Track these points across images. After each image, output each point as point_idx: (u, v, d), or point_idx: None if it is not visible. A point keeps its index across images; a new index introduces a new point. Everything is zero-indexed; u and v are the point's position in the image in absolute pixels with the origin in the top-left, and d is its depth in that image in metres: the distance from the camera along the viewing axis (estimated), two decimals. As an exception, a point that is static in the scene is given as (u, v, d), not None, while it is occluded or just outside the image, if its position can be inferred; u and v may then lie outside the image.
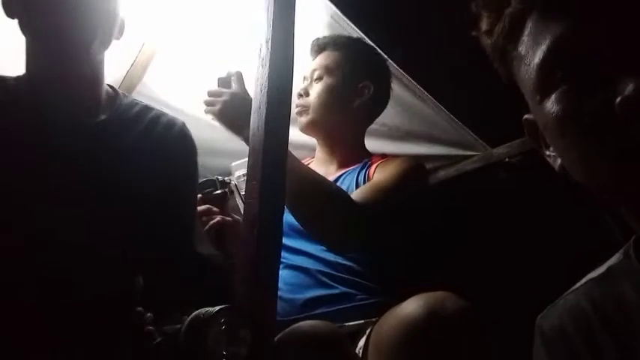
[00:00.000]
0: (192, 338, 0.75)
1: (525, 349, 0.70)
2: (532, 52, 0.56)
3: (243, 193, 1.30)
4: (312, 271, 1.30)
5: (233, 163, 1.36)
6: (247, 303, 0.84)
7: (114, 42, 1.15)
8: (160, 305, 0.85)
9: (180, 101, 1.74)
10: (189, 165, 1.20)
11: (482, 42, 0.64)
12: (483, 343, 0.93)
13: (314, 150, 1.60)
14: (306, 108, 1.49)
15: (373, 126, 1.62)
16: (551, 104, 0.54)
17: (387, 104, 1.59)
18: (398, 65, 1.63)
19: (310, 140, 1.60)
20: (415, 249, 1.44)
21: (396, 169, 1.35)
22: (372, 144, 1.61)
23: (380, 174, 1.36)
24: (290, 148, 1.03)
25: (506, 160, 1.88)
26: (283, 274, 1.30)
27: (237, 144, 1.24)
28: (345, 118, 1.50)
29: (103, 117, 1.10)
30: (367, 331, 1.12)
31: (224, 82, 1.28)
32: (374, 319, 1.13)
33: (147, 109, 1.18)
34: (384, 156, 1.49)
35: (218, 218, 1.34)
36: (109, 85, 1.17)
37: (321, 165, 1.52)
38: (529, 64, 0.57)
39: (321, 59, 1.53)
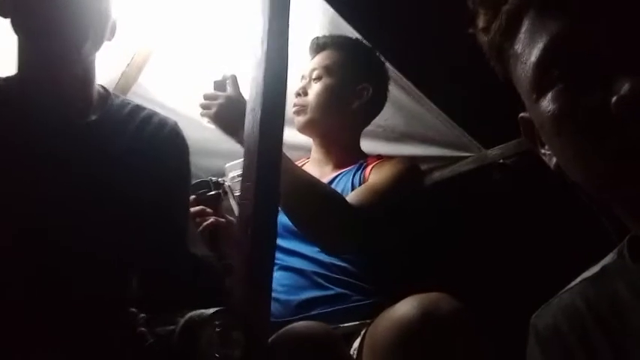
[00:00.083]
0: (186, 340, 0.75)
1: (520, 350, 0.70)
2: (529, 50, 0.56)
3: (237, 194, 1.30)
4: (307, 273, 1.30)
5: (227, 164, 1.36)
6: (241, 304, 0.84)
7: (109, 43, 1.14)
8: (154, 306, 0.85)
9: (176, 102, 1.74)
10: (181, 164, 1.19)
11: (479, 39, 0.64)
12: (478, 344, 0.93)
13: (309, 151, 1.60)
14: (304, 107, 1.49)
15: (369, 127, 1.63)
16: (547, 102, 0.54)
17: (384, 106, 1.60)
18: (392, 66, 1.63)
19: (305, 141, 1.59)
20: (410, 250, 1.44)
21: (392, 170, 1.35)
22: (367, 145, 1.61)
23: (375, 175, 1.36)
24: (285, 149, 1.03)
25: (501, 161, 1.88)
26: (278, 275, 1.29)
27: (231, 145, 1.24)
28: (343, 120, 1.50)
29: (94, 117, 1.10)
30: (362, 333, 1.12)
31: (219, 86, 1.28)
32: (368, 321, 1.13)
33: (138, 108, 1.18)
34: (379, 157, 1.49)
35: (212, 219, 1.34)
36: (100, 85, 1.17)
37: (317, 166, 1.52)
38: (525, 62, 0.57)
39: (321, 59, 1.53)
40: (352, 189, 1.36)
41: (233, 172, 1.33)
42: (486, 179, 1.89)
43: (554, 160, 0.60)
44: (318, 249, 1.30)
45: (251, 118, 0.97)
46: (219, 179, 1.39)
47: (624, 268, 0.60)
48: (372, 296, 1.26)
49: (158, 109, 1.24)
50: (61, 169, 1.00)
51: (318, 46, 1.55)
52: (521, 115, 0.64)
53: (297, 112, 1.49)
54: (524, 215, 1.84)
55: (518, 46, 0.58)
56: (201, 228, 1.33)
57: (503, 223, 1.87)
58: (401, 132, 1.88)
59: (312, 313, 1.23)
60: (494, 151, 1.91)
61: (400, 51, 1.63)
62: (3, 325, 0.87)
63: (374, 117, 1.60)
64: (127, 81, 1.71)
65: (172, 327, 0.77)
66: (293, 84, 1.41)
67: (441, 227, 1.81)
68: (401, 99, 1.75)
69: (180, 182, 1.19)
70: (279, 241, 1.27)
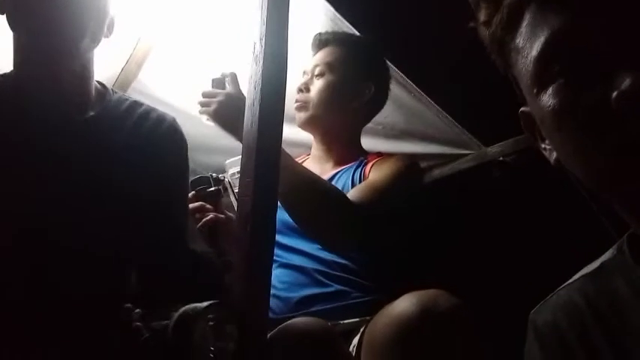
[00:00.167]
0: (180, 334, 0.75)
1: (518, 347, 0.70)
2: (530, 45, 0.56)
3: (237, 190, 1.30)
4: (308, 270, 1.30)
5: (227, 161, 1.36)
6: (240, 300, 0.83)
7: (109, 39, 1.14)
8: (153, 302, 0.84)
9: (175, 98, 1.74)
10: (179, 160, 1.19)
11: (480, 33, 0.63)
12: (476, 341, 0.93)
13: (309, 148, 1.60)
14: (306, 104, 1.48)
15: (369, 125, 1.63)
16: (548, 97, 0.54)
17: (385, 104, 1.59)
18: (392, 63, 1.63)
19: (305, 138, 1.59)
20: (410, 247, 1.44)
21: (392, 168, 1.35)
22: (367, 142, 1.61)
23: (375, 173, 1.36)
24: (284, 146, 1.03)
25: (501, 158, 1.89)
26: (278, 272, 1.30)
27: (231, 141, 1.23)
28: (344, 117, 1.50)
29: (92, 113, 1.10)
30: (361, 329, 1.12)
31: (218, 83, 1.28)
32: (368, 318, 1.13)
33: (136, 104, 1.18)
34: (379, 154, 1.49)
35: (211, 215, 1.34)
36: (98, 81, 1.17)
37: (317, 162, 1.52)
38: (526, 57, 0.56)
39: (324, 55, 1.52)
40: (352, 186, 1.36)
41: (233, 168, 1.33)
42: (486, 177, 1.89)
43: (555, 154, 0.59)
44: (318, 246, 1.30)
45: (250, 114, 0.97)
46: (220, 175, 1.39)
47: (624, 264, 0.60)
48: (371, 293, 1.26)
49: (158, 106, 1.24)
50: (59, 166, 1.00)
51: (321, 42, 1.55)
52: (522, 109, 0.64)
53: (299, 109, 1.49)
54: (523, 212, 1.84)
55: (520, 40, 0.57)
56: (200, 224, 1.33)
57: (503, 221, 1.87)
58: (401, 129, 1.88)
59: (312, 309, 1.22)
60: (493, 149, 1.91)
61: (400, 49, 1.63)
62: (1, 322, 0.87)
63: (375, 114, 1.60)
64: (126, 77, 1.71)
65: (167, 321, 0.77)
66: (294, 80, 1.41)
67: (440, 224, 1.81)
68: (401, 97, 1.75)
69: (178, 178, 1.19)
70: (280, 239, 1.28)
